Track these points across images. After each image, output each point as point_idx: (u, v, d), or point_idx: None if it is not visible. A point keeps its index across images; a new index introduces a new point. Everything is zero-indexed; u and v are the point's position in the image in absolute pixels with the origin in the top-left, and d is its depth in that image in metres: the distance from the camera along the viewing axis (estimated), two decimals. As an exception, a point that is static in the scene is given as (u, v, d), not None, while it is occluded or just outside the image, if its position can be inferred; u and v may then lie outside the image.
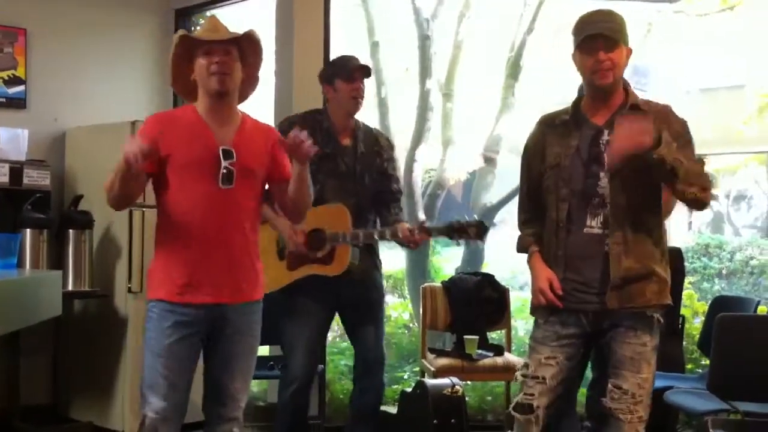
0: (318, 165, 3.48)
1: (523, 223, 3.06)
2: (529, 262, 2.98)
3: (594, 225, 2.78)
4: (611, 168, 2.75)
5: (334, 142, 3.65)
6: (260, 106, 5.05)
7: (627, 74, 2.87)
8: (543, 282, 2.86)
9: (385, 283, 7.63)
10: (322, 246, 3.51)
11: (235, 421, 2.89)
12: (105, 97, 5.25)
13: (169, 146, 2.77)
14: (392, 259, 7.75)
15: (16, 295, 3.61)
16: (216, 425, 2.89)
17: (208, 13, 5.95)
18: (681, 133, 2.81)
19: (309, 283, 3.57)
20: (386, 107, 7.06)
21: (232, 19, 6.17)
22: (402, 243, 3.59)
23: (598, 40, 2.73)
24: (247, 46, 2.85)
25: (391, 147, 3.83)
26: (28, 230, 4.53)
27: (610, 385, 2.81)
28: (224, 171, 2.77)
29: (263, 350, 3.73)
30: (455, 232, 3.48)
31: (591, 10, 2.84)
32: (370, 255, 3.73)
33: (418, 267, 7.01)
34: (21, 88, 4.98)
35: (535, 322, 2.96)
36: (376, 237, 3.57)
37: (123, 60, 5.42)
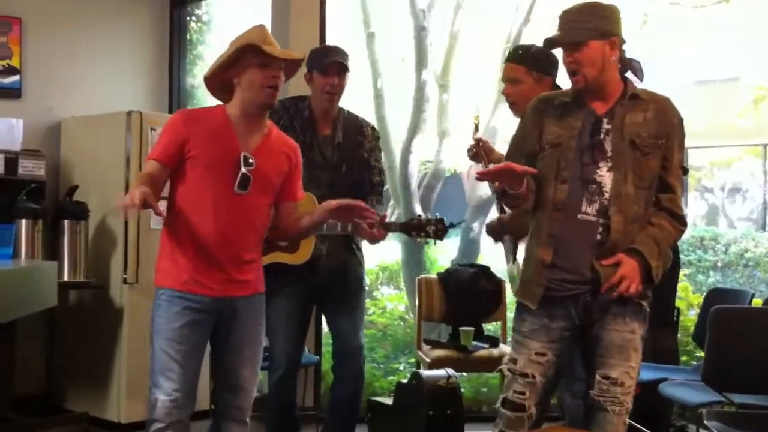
0: None
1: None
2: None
3: (590, 212, 2.73)
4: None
5: (313, 132, 3.61)
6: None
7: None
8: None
9: (381, 274, 7.77)
10: None
11: (246, 411, 2.93)
12: (100, 87, 5.23)
13: (194, 146, 2.81)
14: (388, 250, 7.75)
15: (11, 286, 3.60)
16: (226, 414, 2.92)
17: (203, 3, 5.93)
18: (677, 129, 2.80)
19: (279, 268, 3.54)
20: (382, 98, 7.05)
21: (229, 9, 6.16)
22: (363, 238, 3.48)
23: (562, 42, 2.75)
24: (296, 66, 2.95)
25: (375, 137, 3.75)
26: (23, 220, 4.52)
27: (597, 377, 2.74)
28: (242, 176, 2.81)
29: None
30: (414, 229, 3.40)
31: (567, 8, 2.79)
32: (347, 243, 3.68)
33: (414, 258, 7.02)
34: (16, 77, 4.96)
35: (518, 314, 2.85)
36: (338, 230, 3.46)
37: (118, 49, 5.40)
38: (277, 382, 3.64)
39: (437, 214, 3.43)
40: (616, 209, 2.71)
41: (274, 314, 3.58)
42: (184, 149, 2.80)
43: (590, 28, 2.71)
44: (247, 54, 2.80)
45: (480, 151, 3.51)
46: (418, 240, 3.52)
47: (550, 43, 2.78)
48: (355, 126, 3.69)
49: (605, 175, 2.73)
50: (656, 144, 2.75)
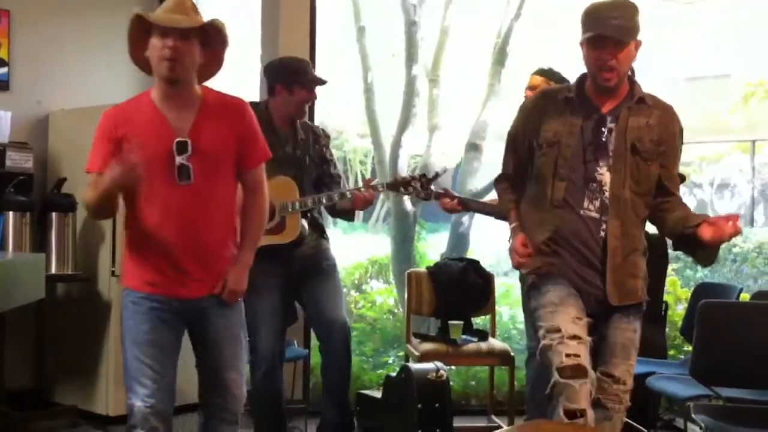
0: None
1: (502, 189, 3.01)
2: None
3: (591, 208, 2.74)
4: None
5: (274, 132, 3.70)
6: (246, 90, 5.03)
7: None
8: (517, 242, 2.84)
9: (370, 268, 7.76)
10: (272, 217, 3.56)
11: (236, 413, 2.82)
12: (89, 80, 5.20)
13: (128, 146, 2.64)
14: (377, 244, 7.75)
15: (-1, 278, 3.58)
16: (216, 415, 2.82)
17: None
18: (677, 138, 2.83)
19: (261, 256, 3.56)
20: (372, 93, 7.05)
21: (219, 2, 6.14)
22: (350, 210, 3.76)
23: (606, 38, 2.65)
24: (211, 29, 2.70)
25: (326, 136, 3.93)
26: (10, 213, 4.49)
27: (598, 374, 2.74)
28: (179, 167, 2.64)
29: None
30: (401, 185, 3.72)
31: (606, 1, 2.71)
32: (319, 231, 3.81)
33: (403, 252, 7.02)
34: (4, 70, 4.92)
35: (538, 289, 2.77)
36: (324, 200, 3.64)
37: (107, 42, 5.36)
38: (264, 376, 3.66)
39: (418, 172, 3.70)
40: (614, 213, 2.73)
41: (257, 309, 3.61)
42: (121, 152, 2.64)
43: (633, 28, 2.68)
44: (140, 26, 2.66)
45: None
46: (406, 196, 3.72)
47: (596, 37, 2.66)
48: (308, 126, 3.90)
49: (605, 174, 2.74)
50: (657, 151, 2.76)
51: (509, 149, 2.96)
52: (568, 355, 2.59)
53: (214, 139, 2.70)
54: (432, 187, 3.80)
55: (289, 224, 3.63)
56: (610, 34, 2.64)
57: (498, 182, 3.05)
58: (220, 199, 2.74)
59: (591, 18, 2.69)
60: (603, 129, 2.74)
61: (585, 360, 2.60)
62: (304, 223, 3.68)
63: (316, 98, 3.78)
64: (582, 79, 2.83)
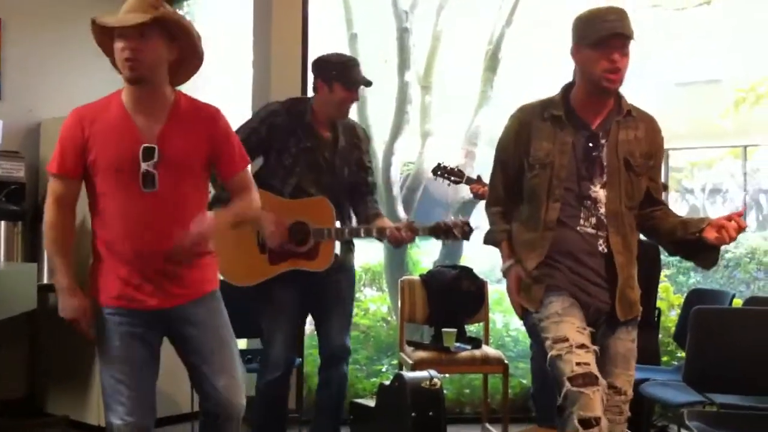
0: (297, 157, 3.52)
1: (494, 215, 2.95)
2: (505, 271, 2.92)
3: (587, 225, 2.73)
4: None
5: (315, 135, 3.64)
6: (238, 96, 5.03)
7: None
8: (514, 293, 2.84)
9: (363, 276, 7.74)
10: (306, 240, 3.52)
11: (235, 421, 2.74)
12: (81, 88, 5.14)
13: (92, 148, 2.59)
14: (370, 252, 7.74)
15: (-10, 288, 3.57)
16: (215, 426, 2.75)
17: (185, 3, 5.90)
18: (660, 150, 2.85)
19: (288, 274, 3.56)
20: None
21: (211, 8, 6.13)
22: (386, 240, 3.60)
23: (616, 40, 2.62)
24: (174, 26, 2.61)
25: (368, 139, 3.84)
26: (2, 222, 4.49)
27: None
28: (144, 173, 2.56)
29: (240, 344, 3.70)
30: (442, 231, 3.60)
31: (601, 7, 2.70)
32: (348, 242, 3.76)
33: (396, 260, 7.00)
34: (-5, 78, 4.92)
35: (540, 302, 2.74)
36: (362, 234, 3.57)
37: (99, 50, 5.34)
38: (272, 383, 3.64)
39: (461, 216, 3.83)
40: (614, 230, 2.72)
41: (276, 319, 3.60)
42: (85, 155, 2.59)
43: (633, 32, 2.66)
44: (102, 31, 2.61)
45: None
46: (446, 242, 3.69)
47: (607, 38, 2.61)
48: (349, 128, 3.76)
49: (599, 191, 2.73)
50: (647, 165, 2.78)
51: (498, 168, 2.92)
52: (578, 364, 2.55)
53: (184, 146, 2.63)
54: (467, 175, 3.95)
55: (322, 251, 3.55)
56: (621, 31, 2.60)
57: (489, 206, 2.97)
58: (187, 208, 2.64)
59: (593, 22, 2.65)
60: (596, 146, 2.73)
61: (595, 368, 2.57)
62: (338, 247, 3.60)
63: (357, 99, 3.64)
64: (566, 94, 2.80)
